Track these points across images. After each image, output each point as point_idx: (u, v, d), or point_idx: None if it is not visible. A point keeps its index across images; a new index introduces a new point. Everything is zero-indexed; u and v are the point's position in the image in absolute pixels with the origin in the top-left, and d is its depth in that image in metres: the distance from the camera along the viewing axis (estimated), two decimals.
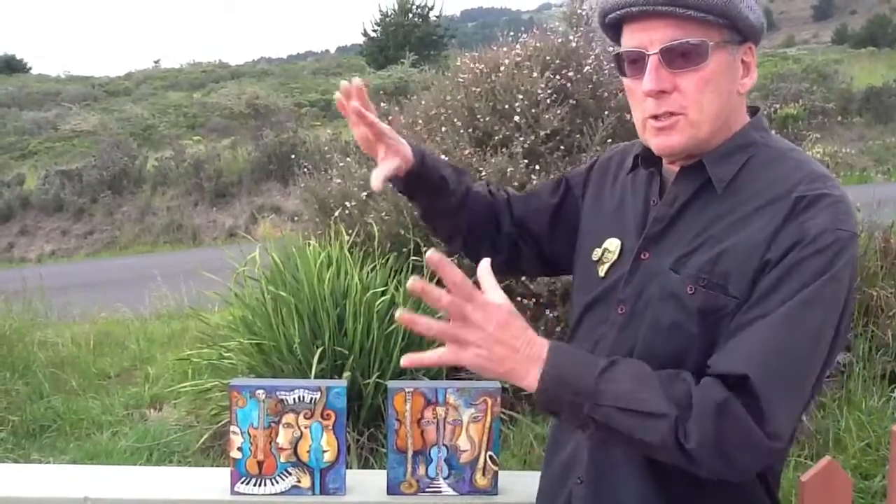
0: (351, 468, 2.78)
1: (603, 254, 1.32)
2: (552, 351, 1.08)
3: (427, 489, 1.66)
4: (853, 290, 1.14)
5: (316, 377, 3.41)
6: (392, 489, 1.65)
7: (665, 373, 1.10)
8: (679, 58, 1.15)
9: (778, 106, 14.26)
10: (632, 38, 1.19)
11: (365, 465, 3.35)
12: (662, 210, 1.23)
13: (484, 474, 1.66)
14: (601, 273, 1.30)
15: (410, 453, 1.64)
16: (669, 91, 1.17)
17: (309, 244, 4.03)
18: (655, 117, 1.19)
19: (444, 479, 1.65)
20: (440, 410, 1.63)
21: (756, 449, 1.05)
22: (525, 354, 1.06)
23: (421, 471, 1.65)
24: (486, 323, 1.04)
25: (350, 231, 4.11)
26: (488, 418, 1.65)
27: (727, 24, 1.15)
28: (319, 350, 3.51)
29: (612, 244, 1.31)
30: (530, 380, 1.06)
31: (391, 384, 1.64)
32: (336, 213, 4.29)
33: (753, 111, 1.28)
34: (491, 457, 1.66)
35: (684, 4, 1.12)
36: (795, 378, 1.08)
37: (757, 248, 1.11)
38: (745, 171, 1.19)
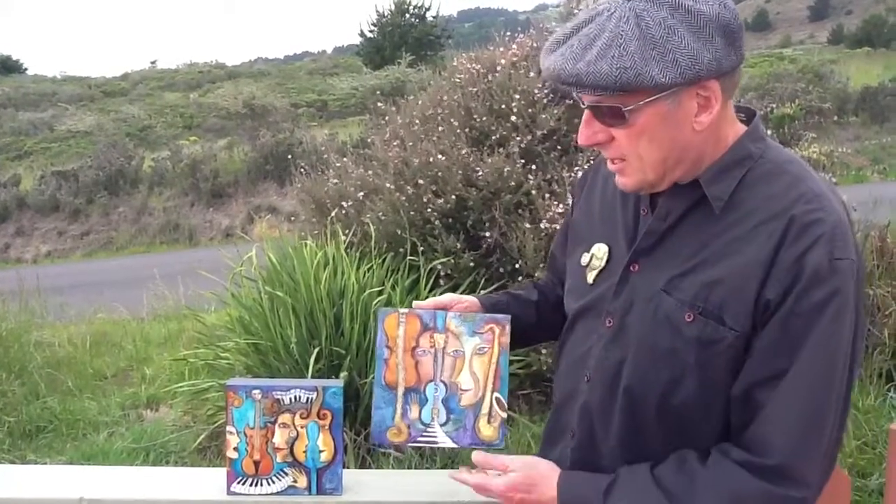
0: (348, 468, 2.77)
1: (591, 259, 1.31)
2: (561, 489, 1.21)
3: (420, 437, 1.39)
4: (861, 314, 1.14)
5: (313, 377, 3.41)
6: (377, 435, 1.39)
7: (670, 465, 1.15)
8: (605, 116, 1.14)
9: (774, 106, 14.27)
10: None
11: (362, 465, 3.34)
12: (654, 224, 1.21)
13: (490, 421, 1.38)
14: (590, 280, 1.30)
15: (401, 390, 1.38)
16: (605, 141, 1.17)
17: (306, 244, 4.02)
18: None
19: (441, 425, 1.39)
20: (439, 338, 1.38)
21: None
22: (543, 493, 1.23)
23: (413, 413, 1.38)
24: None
25: (347, 231, 4.10)
26: (495, 350, 1.39)
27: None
28: (316, 350, 3.50)
29: (600, 250, 1.30)
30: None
31: (382, 309, 1.43)
32: (333, 213, 4.28)
33: (750, 115, 1.24)
34: (498, 399, 1.39)
35: (579, 84, 1.10)
36: (819, 433, 1.11)
37: (752, 279, 1.11)
38: (742, 187, 1.16)
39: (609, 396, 1.22)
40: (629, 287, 1.22)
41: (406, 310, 1.39)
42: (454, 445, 1.38)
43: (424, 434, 1.38)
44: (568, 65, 1.09)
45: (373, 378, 3.45)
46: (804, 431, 1.09)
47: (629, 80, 1.06)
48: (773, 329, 1.09)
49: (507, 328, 1.39)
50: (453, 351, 1.38)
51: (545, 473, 1.23)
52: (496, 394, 1.38)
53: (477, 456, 1.29)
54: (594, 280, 1.29)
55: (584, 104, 1.16)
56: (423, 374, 1.38)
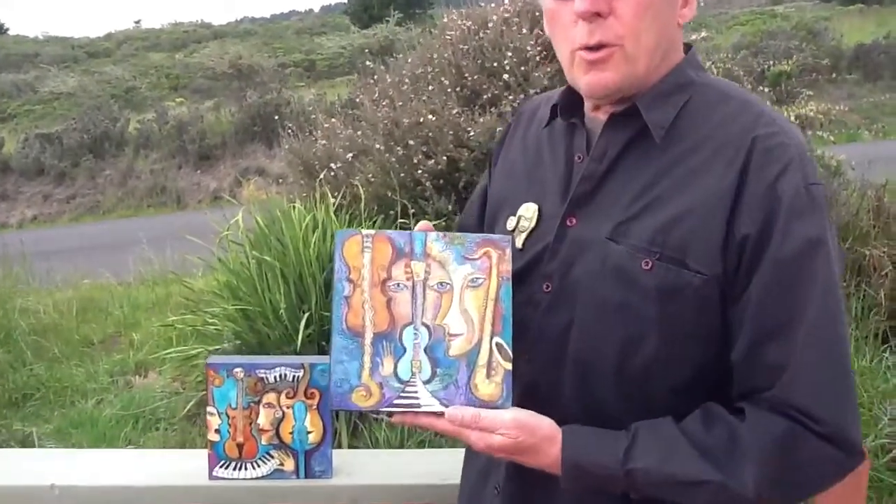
0: (340, 445, 2.70)
1: (518, 221, 1.14)
2: (566, 455, 1.00)
3: (396, 400, 1.02)
4: (837, 243, 1.04)
5: (303, 343, 3.35)
6: (339, 399, 1.03)
7: (697, 421, 1.00)
8: None
9: (770, 63, 14.09)
10: None
11: (352, 443, 3.27)
12: (591, 167, 1.07)
13: (490, 375, 1.02)
14: (518, 244, 1.12)
15: (369, 337, 1.03)
16: (605, 15, 1.01)
17: (294, 207, 3.95)
18: (588, 48, 1.03)
19: (425, 382, 1.02)
20: (417, 267, 1.04)
21: (837, 467, 0.99)
22: (539, 460, 1.02)
23: (386, 368, 1.02)
24: (492, 451, 1.02)
25: (336, 193, 4.03)
26: (493, 282, 1.04)
27: None
28: (306, 315, 3.45)
29: (528, 210, 1.13)
30: (553, 469, 1.02)
31: (340, 231, 1.11)
32: (321, 175, 4.21)
33: (686, 47, 1.13)
34: (500, 346, 1.03)
35: None
36: (851, 387, 0.99)
37: (716, 212, 0.98)
38: (686, 115, 1.05)
39: (556, 369, 1.06)
40: (568, 243, 1.06)
41: (372, 231, 1.06)
42: (443, 409, 1.01)
43: (402, 395, 1.02)
44: None
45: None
46: (839, 391, 0.98)
47: None
48: (767, 271, 0.97)
49: (508, 252, 1.04)
50: (438, 284, 1.04)
51: (547, 435, 1.00)
52: (497, 339, 1.03)
53: (453, 412, 1.00)
54: (524, 244, 1.12)
55: None
56: (397, 316, 1.03)
